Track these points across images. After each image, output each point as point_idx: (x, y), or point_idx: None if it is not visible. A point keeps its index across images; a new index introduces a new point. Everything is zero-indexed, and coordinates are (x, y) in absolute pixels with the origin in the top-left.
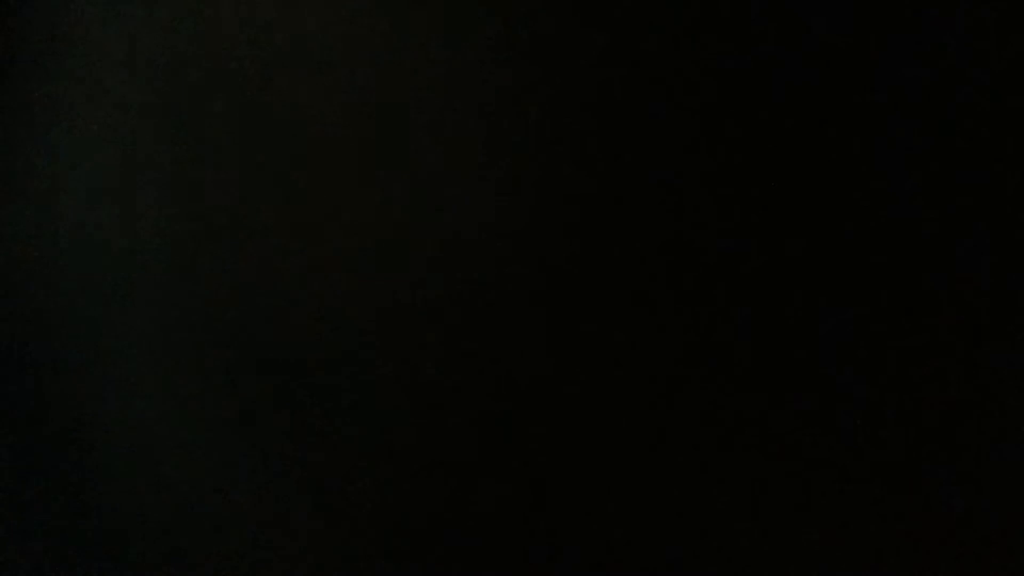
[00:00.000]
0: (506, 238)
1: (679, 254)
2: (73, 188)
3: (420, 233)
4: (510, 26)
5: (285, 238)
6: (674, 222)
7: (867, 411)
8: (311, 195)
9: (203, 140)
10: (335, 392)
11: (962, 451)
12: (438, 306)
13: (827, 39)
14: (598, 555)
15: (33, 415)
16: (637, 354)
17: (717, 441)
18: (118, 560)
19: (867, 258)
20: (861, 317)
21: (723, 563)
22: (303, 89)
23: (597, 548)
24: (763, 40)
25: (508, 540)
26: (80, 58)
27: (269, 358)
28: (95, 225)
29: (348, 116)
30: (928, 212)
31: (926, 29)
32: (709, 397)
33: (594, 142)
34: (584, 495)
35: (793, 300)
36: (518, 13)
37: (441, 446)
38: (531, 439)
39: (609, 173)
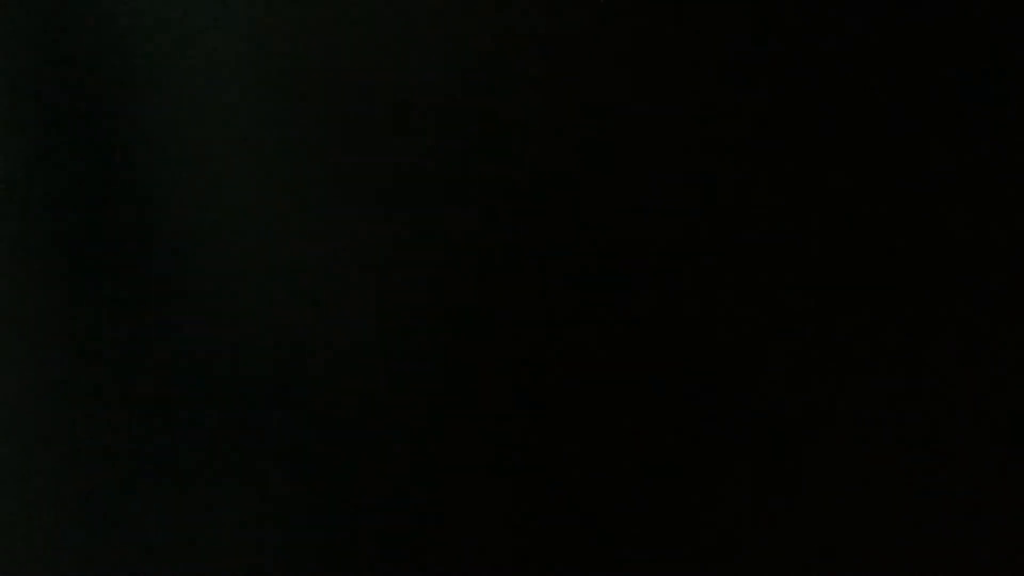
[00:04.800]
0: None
1: (683, 257)
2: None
3: (423, 237)
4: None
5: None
6: (676, 224)
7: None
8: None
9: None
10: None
11: (961, 449)
12: (440, 308)
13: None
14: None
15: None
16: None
17: (714, 440)
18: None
19: (868, 257)
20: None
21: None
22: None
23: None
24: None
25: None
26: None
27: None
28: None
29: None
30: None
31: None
32: (708, 395)
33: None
34: (582, 496)
35: (791, 299)
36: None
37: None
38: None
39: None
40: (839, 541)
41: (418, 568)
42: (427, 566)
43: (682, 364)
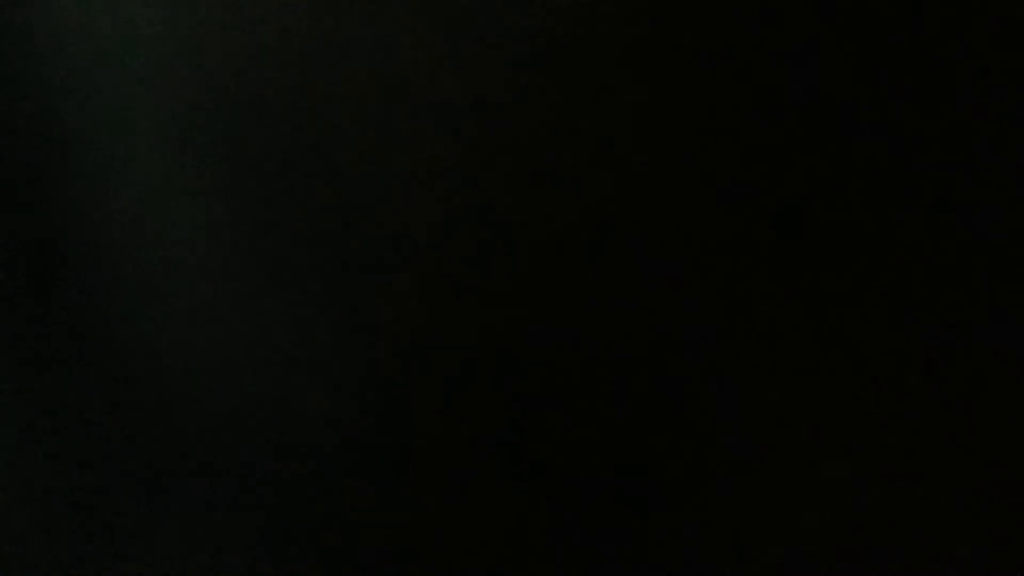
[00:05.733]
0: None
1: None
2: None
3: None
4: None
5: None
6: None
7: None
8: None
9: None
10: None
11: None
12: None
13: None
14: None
15: None
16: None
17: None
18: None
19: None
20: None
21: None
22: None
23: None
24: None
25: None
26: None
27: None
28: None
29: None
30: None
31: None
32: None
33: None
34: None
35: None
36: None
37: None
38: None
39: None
40: (827, 543)
41: None
42: None
43: (670, 365)
